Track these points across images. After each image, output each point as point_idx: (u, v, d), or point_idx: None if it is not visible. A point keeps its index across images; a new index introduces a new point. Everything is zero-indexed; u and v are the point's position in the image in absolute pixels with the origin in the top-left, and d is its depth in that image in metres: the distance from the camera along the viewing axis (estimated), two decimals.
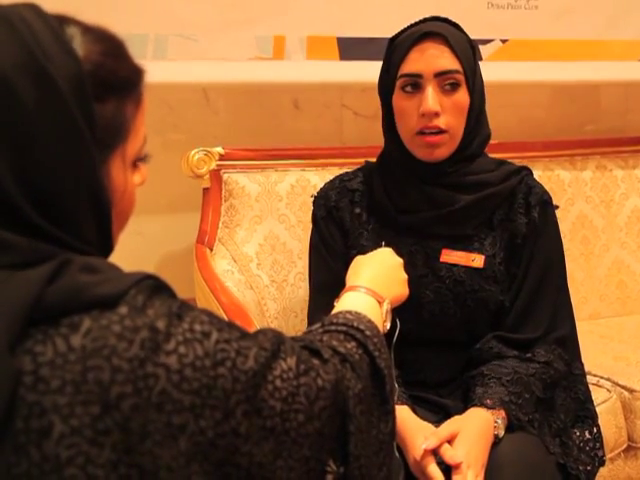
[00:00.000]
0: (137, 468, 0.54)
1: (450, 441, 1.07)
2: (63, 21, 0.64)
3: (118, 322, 0.56)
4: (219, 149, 1.74)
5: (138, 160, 0.69)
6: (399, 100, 1.25)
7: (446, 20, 1.26)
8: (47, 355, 0.55)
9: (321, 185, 1.43)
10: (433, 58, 1.20)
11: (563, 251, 1.33)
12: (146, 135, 0.69)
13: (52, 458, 0.53)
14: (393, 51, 1.26)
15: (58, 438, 0.53)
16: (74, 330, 0.56)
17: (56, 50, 0.60)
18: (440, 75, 1.20)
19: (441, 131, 1.21)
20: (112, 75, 0.64)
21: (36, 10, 0.62)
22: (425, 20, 1.26)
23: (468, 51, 1.24)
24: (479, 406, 1.13)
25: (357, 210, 1.33)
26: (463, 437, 1.07)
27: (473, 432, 1.08)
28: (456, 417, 1.13)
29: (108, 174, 0.64)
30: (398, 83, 1.24)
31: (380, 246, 1.06)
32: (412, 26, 1.26)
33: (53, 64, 0.59)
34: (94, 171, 0.62)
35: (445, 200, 1.25)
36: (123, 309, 0.57)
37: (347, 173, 1.39)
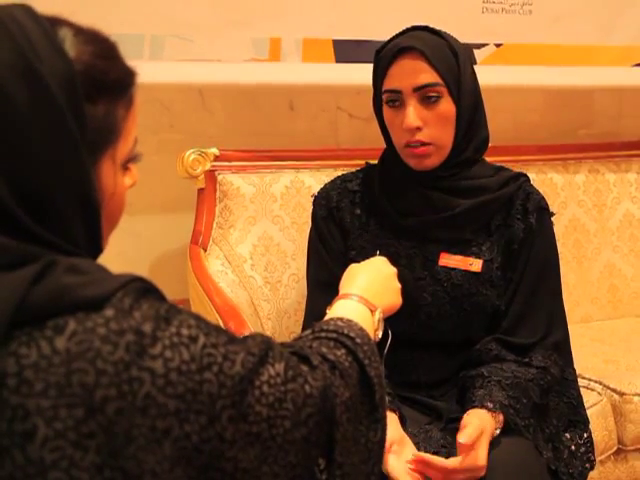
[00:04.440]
0: (121, 472, 0.54)
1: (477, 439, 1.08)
2: (55, 22, 0.63)
3: (103, 325, 0.56)
4: (214, 150, 1.74)
5: (129, 161, 0.68)
6: (386, 113, 1.27)
7: (427, 28, 1.26)
8: (31, 357, 0.54)
9: (315, 187, 1.44)
10: (410, 74, 1.21)
11: (558, 257, 1.34)
12: (137, 137, 0.69)
13: (36, 461, 0.53)
14: (377, 65, 1.28)
15: (42, 441, 0.53)
16: (59, 332, 0.55)
17: (47, 50, 0.60)
18: (419, 90, 1.21)
19: (425, 143, 1.23)
20: (103, 76, 0.63)
21: (28, 11, 0.62)
22: (406, 31, 1.26)
23: (449, 60, 1.23)
24: (480, 408, 1.13)
25: (357, 211, 1.34)
26: (484, 438, 1.08)
27: (488, 434, 1.10)
28: (469, 417, 1.12)
29: (98, 175, 0.64)
30: (383, 97, 1.26)
31: (374, 255, 1.05)
32: (394, 38, 1.27)
33: (44, 64, 0.59)
34: (84, 172, 0.62)
35: (444, 204, 1.27)
36: (109, 312, 0.57)
37: (348, 174, 1.40)
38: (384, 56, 1.25)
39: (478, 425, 1.09)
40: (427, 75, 1.21)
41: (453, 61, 1.24)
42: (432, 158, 1.25)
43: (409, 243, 1.29)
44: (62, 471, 0.53)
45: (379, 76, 1.26)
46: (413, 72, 1.21)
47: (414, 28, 1.27)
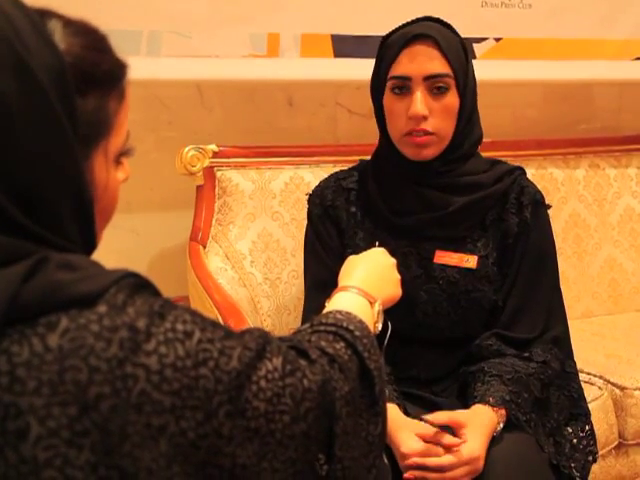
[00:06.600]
0: (117, 470, 0.53)
1: (457, 430, 1.09)
2: (44, 14, 0.62)
3: (96, 321, 0.55)
4: (213, 146, 1.74)
5: (121, 156, 0.67)
6: (389, 101, 1.25)
7: (438, 20, 1.26)
8: (23, 355, 0.53)
9: (315, 183, 1.43)
10: (423, 61, 1.20)
11: (555, 250, 1.33)
12: (129, 131, 0.68)
13: (29, 460, 0.52)
14: (384, 52, 1.26)
15: (35, 440, 0.52)
16: (51, 330, 0.54)
17: (36, 43, 0.58)
18: (429, 79, 1.21)
19: (429, 133, 1.22)
20: (94, 69, 0.62)
21: (16, 3, 0.61)
22: (417, 20, 1.26)
23: (459, 53, 1.23)
24: (482, 403, 1.13)
25: (353, 209, 1.34)
26: (474, 430, 1.09)
27: (484, 427, 1.10)
28: (463, 411, 1.13)
29: (90, 170, 0.63)
30: (388, 84, 1.24)
31: (373, 246, 1.05)
32: (404, 26, 1.26)
33: (33, 57, 0.58)
34: (76, 166, 0.61)
35: (439, 202, 1.26)
36: (102, 308, 0.56)
37: (342, 172, 1.39)
38: (394, 42, 1.24)
39: (463, 415, 1.10)
40: (439, 64, 1.21)
41: (463, 55, 1.24)
42: (431, 149, 1.24)
43: (404, 241, 1.28)
44: (56, 470, 0.52)
45: (386, 62, 1.25)
46: (426, 59, 1.20)
47: (425, 19, 1.26)
